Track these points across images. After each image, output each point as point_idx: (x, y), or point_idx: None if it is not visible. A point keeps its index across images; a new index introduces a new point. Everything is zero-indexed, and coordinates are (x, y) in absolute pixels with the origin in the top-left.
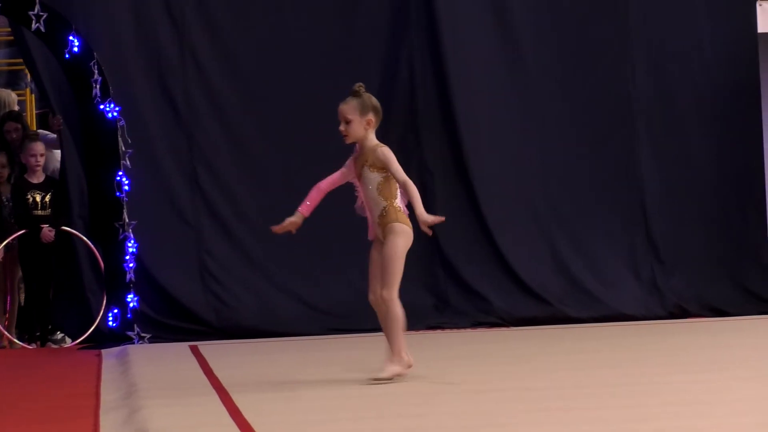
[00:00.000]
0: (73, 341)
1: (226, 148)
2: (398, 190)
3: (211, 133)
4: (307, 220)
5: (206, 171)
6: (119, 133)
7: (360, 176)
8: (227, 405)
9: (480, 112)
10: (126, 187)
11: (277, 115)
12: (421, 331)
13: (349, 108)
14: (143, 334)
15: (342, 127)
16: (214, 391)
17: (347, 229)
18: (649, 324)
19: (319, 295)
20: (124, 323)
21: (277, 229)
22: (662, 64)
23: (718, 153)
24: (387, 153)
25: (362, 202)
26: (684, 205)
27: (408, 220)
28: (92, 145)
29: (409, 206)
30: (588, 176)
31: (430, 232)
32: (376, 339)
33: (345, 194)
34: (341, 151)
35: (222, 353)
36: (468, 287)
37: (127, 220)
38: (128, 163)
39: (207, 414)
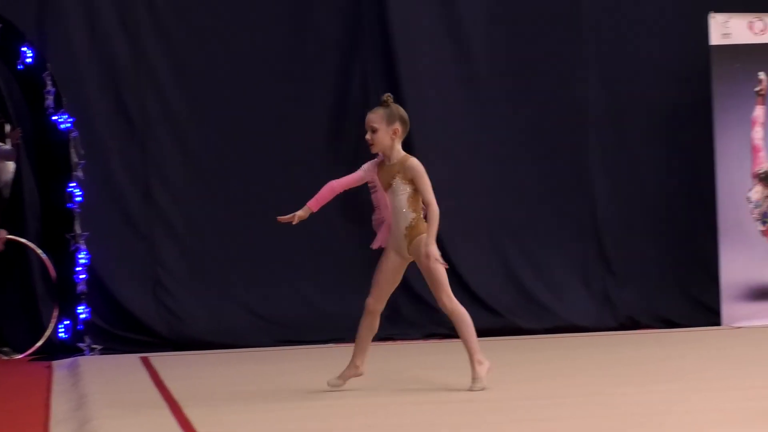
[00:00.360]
0: (23, 353)
1: (179, 160)
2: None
3: (164, 146)
4: (258, 233)
5: (159, 183)
6: (72, 144)
7: (389, 187)
8: (178, 417)
9: (432, 124)
10: (78, 199)
11: (230, 129)
12: (372, 343)
13: (376, 117)
14: (94, 346)
15: (368, 136)
16: (165, 403)
17: (298, 241)
18: (601, 335)
19: (269, 307)
20: (75, 335)
21: (282, 218)
22: (614, 76)
23: (670, 165)
24: (418, 167)
25: (380, 216)
26: (635, 217)
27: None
28: (45, 156)
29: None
30: (540, 188)
31: (429, 262)
32: (327, 350)
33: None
34: (294, 162)
35: (173, 365)
36: (420, 299)
37: (79, 232)
38: (81, 174)
39: (157, 426)
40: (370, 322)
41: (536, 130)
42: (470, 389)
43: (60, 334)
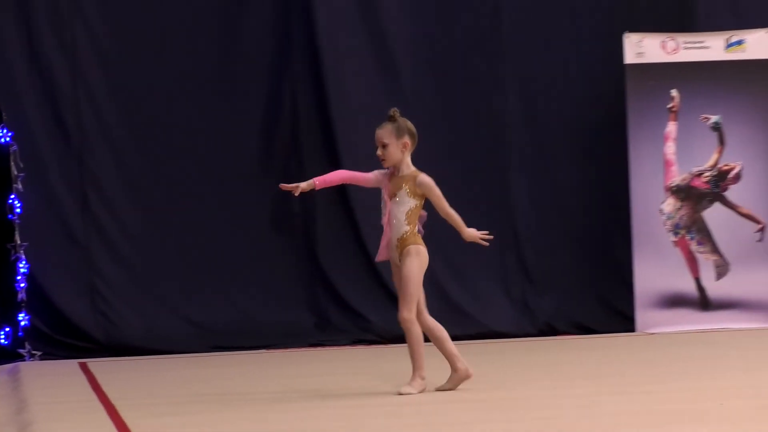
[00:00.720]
0: None
1: (115, 173)
2: (419, 218)
3: (101, 159)
4: (191, 244)
5: (96, 195)
6: (12, 157)
7: (394, 196)
8: (115, 420)
9: (360, 140)
10: (18, 210)
11: (164, 143)
12: (303, 349)
13: (385, 132)
14: (34, 352)
15: (379, 152)
16: (102, 407)
17: (230, 251)
18: (520, 341)
19: (203, 315)
20: (16, 341)
21: (284, 186)
22: (533, 94)
23: (587, 179)
24: (429, 184)
25: (386, 222)
26: (553, 228)
27: (423, 242)
28: None
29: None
30: (463, 201)
31: (485, 243)
32: (258, 356)
33: (230, 218)
34: (225, 175)
35: (110, 370)
36: (348, 306)
37: (19, 242)
38: (20, 186)
39: (95, 429)
40: (427, 331)
41: (458, 146)
42: (399, 392)
43: (1, 341)
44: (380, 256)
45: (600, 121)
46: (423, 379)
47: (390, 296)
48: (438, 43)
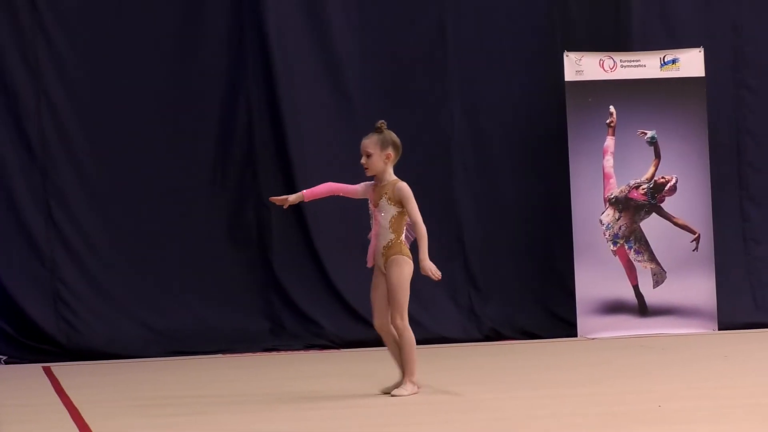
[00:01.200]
0: None
1: (77, 184)
2: (405, 226)
3: (63, 171)
4: (150, 253)
5: (59, 206)
6: None
7: (377, 205)
8: (78, 422)
9: (312, 151)
10: None
11: (123, 155)
12: (258, 354)
13: (370, 143)
14: (0, 356)
15: (363, 161)
16: (65, 410)
17: (188, 260)
18: (467, 346)
19: (161, 321)
20: None
21: (274, 199)
22: (477, 108)
23: (529, 191)
24: (406, 191)
25: (374, 231)
26: (498, 238)
27: (409, 252)
28: None
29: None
30: None
31: (434, 277)
32: (214, 360)
33: (188, 228)
34: (183, 187)
35: (73, 374)
36: (301, 312)
37: None
38: None
39: (59, 431)
40: (387, 339)
41: (407, 156)
42: (393, 394)
43: None
44: (369, 262)
45: (541, 136)
46: (414, 384)
47: (341, 302)
48: (385, 61)
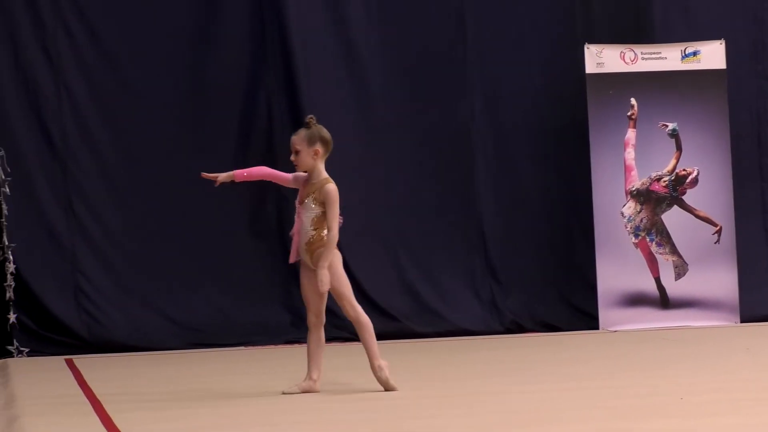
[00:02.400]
0: None
1: (97, 176)
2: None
3: (83, 164)
4: (171, 244)
5: (79, 198)
6: None
7: (302, 203)
8: (100, 414)
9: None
10: (5, 213)
11: (143, 148)
12: (279, 346)
13: (298, 139)
14: (22, 348)
15: (293, 157)
16: (87, 401)
17: (208, 252)
18: (488, 339)
19: (182, 313)
20: (4, 338)
21: (205, 174)
22: (497, 102)
23: (550, 183)
24: (331, 194)
25: (296, 229)
26: (519, 231)
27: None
28: None
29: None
30: (432, 205)
31: (321, 289)
32: (235, 353)
33: (208, 219)
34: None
35: (95, 366)
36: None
37: (6, 243)
38: (8, 190)
39: (81, 422)
40: (314, 337)
41: (427, 151)
42: (387, 390)
43: None
44: (292, 257)
45: (562, 129)
46: (381, 368)
47: (363, 296)
48: (406, 52)
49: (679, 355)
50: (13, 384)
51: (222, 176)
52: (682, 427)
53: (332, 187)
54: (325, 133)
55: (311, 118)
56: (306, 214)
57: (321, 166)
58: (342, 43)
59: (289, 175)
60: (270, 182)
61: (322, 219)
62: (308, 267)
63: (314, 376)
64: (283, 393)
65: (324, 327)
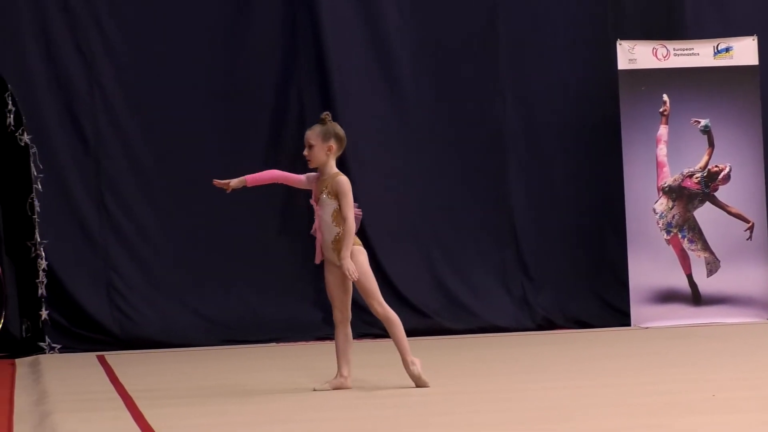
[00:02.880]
0: None
1: (129, 173)
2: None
3: (116, 160)
4: (203, 241)
5: (112, 194)
6: (31, 159)
7: (318, 200)
8: (132, 411)
9: (365, 142)
10: (38, 209)
11: (176, 143)
12: (310, 342)
13: (312, 134)
14: (54, 345)
15: (306, 152)
16: (119, 398)
17: (240, 249)
18: (519, 335)
19: (214, 309)
20: (37, 334)
21: (217, 182)
22: (530, 97)
23: (582, 179)
24: (343, 184)
25: (317, 227)
26: (551, 227)
27: (359, 240)
28: (6, 171)
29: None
30: (463, 201)
31: (352, 277)
32: (266, 349)
33: (239, 216)
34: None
35: (127, 363)
36: (353, 301)
37: (39, 239)
38: (40, 186)
39: (113, 419)
40: (341, 333)
41: (459, 146)
42: (419, 386)
43: (23, 334)
44: (318, 258)
45: (594, 125)
46: (413, 363)
47: (393, 291)
48: (437, 51)
49: (711, 351)
50: (45, 380)
51: (234, 182)
52: (715, 423)
53: (344, 178)
54: (340, 130)
55: (327, 114)
56: (325, 211)
57: (332, 163)
58: (374, 40)
59: (302, 177)
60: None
61: (342, 213)
62: (333, 264)
63: (344, 372)
64: (314, 390)
65: (353, 324)
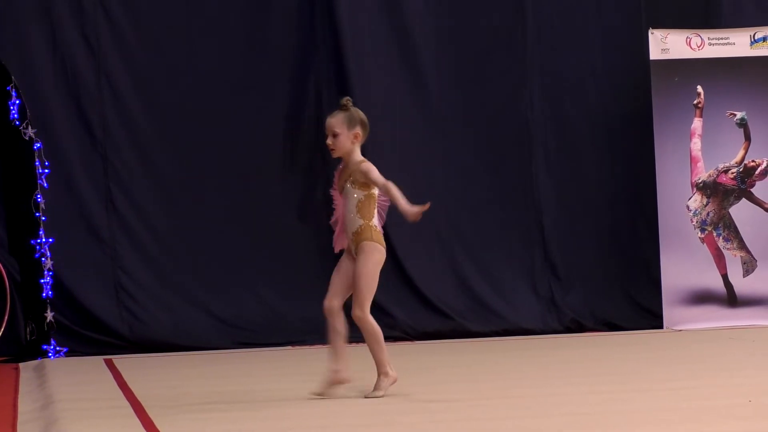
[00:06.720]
0: None
1: (139, 169)
2: (376, 210)
3: (125, 156)
4: (216, 239)
5: (120, 191)
6: (36, 154)
7: (342, 190)
8: (141, 417)
9: (384, 136)
10: (43, 207)
11: (189, 138)
12: (317, 346)
13: (336, 121)
14: (59, 348)
15: (329, 141)
16: (128, 403)
17: (255, 247)
18: (547, 338)
19: (228, 310)
20: (41, 337)
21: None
22: (557, 91)
23: (612, 175)
24: (368, 165)
25: (337, 217)
26: (579, 224)
27: (382, 239)
28: (10, 167)
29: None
30: (488, 198)
31: (418, 212)
32: (284, 352)
33: (254, 214)
34: (251, 170)
35: (136, 367)
36: (375, 303)
37: (44, 239)
38: (45, 183)
39: (121, 425)
40: (332, 324)
41: (484, 141)
42: (366, 396)
43: (27, 337)
44: (337, 246)
45: (625, 117)
46: (387, 375)
47: (417, 294)
48: (462, 39)
49: (748, 355)
50: (50, 385)
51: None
52: (752, 430)
53: (369, 164)
54: (363, 116)
55: (348, 99)
56: (349, 202)
57: (358, 151)
58: (395, 30)
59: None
60: (319, 179)
61: (367, 203)
62: (352, 255)
63: (334, 366)
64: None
65: (354, 329)
